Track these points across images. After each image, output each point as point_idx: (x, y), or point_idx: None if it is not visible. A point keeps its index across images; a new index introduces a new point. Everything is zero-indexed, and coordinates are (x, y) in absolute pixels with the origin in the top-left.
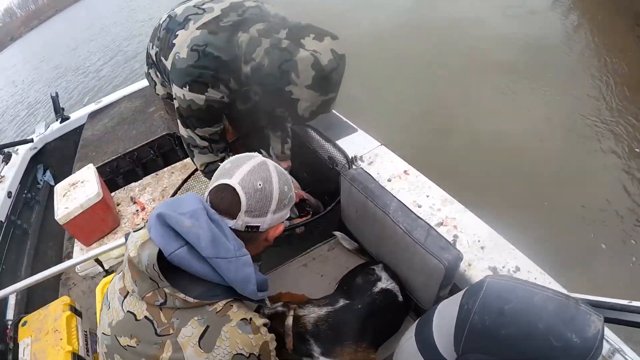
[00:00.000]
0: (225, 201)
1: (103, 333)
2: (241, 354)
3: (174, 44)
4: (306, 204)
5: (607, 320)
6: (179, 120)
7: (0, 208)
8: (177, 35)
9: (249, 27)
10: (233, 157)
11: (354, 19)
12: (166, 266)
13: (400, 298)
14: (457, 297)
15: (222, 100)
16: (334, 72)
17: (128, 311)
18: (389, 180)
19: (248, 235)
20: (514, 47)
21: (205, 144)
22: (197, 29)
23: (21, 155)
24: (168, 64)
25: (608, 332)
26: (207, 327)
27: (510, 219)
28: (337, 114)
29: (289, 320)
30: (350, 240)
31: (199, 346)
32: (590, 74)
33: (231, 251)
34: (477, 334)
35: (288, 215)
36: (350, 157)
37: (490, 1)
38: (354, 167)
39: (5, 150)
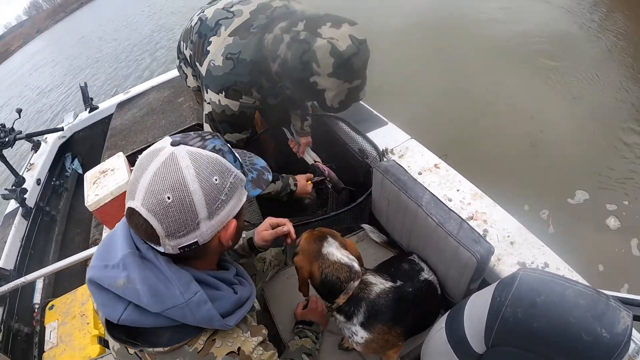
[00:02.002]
0: (140, 230)
1: (112, 356)
2: None
3: (208, 51)
4: (323, 175)
5: (636, 318)
6: (209, 124)
7: (29, 195)
8: (211, 42)
9: (274, 27)
10: (137, 160)
11: (382, 15)
12: None
13: (440, 291)
14: (489, 290)
15: (254, 106)
16: (354, 58)
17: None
18: (420, 174)
19: (190, 253)
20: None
21: None
22: (229, 35)
23: (50, 144)
24: (203, 70)
25: (633, 331)
26: None
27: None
28: (368, 106)
29: (355, 283)
30: (379, 233)
31: None
32: (622, 64)
33: (177, 297)
34: (509, 327)
35: (242, 204)
36: (381, 150)
37: None
38: (384, 159)
39: (35, 138)
